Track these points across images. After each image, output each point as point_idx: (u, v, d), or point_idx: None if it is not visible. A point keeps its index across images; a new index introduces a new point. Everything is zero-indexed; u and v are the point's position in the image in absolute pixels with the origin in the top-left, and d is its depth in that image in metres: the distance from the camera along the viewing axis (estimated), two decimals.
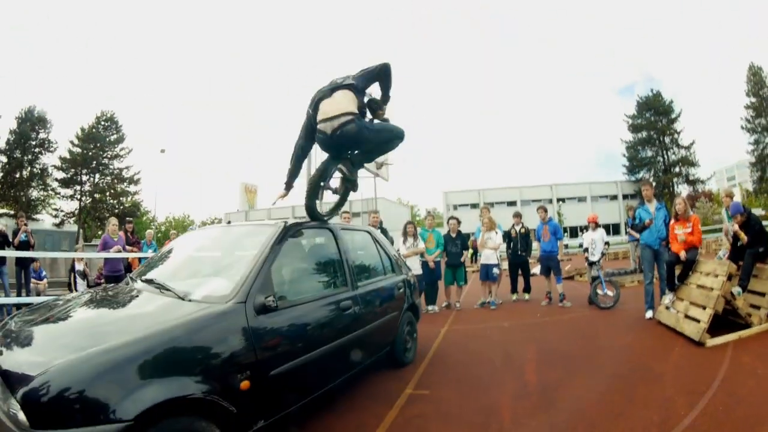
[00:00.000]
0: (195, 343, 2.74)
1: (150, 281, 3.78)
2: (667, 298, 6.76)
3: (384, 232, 9.12)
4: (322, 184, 4.71)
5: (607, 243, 9.10)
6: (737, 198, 53.12)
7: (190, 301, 3.16)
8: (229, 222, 5.27)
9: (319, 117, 4.19)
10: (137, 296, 3.56)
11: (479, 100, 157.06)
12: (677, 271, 6.84)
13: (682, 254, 6.56)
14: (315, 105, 4.29)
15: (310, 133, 4.43)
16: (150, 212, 64.96)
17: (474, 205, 61.37)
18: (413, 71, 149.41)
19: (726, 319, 5.97)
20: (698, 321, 5.75)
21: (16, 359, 2.54)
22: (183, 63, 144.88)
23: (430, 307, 9.50)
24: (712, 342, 5.50)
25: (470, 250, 18.78)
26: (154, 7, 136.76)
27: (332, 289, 4.29)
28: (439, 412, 4.18)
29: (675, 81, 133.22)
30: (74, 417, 2.12)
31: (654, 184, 56.14)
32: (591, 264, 9.07)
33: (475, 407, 4.25)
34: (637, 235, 7.99)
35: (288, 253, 3.94)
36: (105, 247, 8.85)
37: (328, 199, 5.24)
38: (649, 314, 7.22)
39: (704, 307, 5.82)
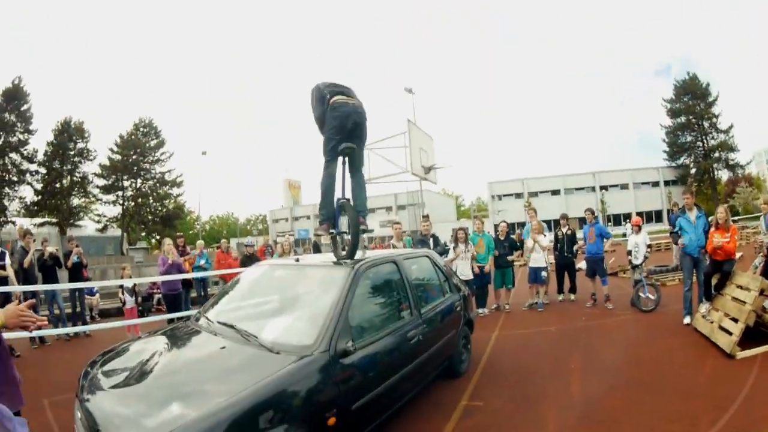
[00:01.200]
0: (289, 395, 3.01)
1: (230, 326, 3.95)
2: (704, 307, 6.91)
3: (436, 239, 9.45)
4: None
5: (649, 246, 9.22)
6: None
7: (278, 353, 3.35)
8: (297, 260, 5.34)
9: (347, 99, 4.87)
10: (223, 347, 3.62)
11: (521, 89, 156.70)
12: (714, 281, 7.01)
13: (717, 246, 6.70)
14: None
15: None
16: (194, 212, 66.34)
17: (518, 195, 61.52)
18: (452, 58, 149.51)
19: (759, 330, 6.05)
20: (730, 333, 5.88)
21: (118, 422, 2.71)
22: (220, 64, 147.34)
23: (480, 310, 9.72)
24: (742, 354, 5.64)
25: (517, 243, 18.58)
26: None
27: (400, 320, 4.48)
28: (492, 423, 4.47)
29: (711, 62, 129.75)
30: None
31: (695, 170, 55.34)
32: (634, 267, 9.20)
33: (525, 419, 4.53)
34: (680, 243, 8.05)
35: (360, 293, 4.12)
36: (167, 269, 9.03)
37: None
38: (686, 320, 7.38)
39: (736, 320, 5.94)
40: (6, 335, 6.76)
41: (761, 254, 8.32)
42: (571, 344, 7.08)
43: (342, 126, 4.79)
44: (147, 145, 55.53)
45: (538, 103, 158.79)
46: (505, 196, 63.72)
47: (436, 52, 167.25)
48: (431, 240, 9.43)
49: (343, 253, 4.83)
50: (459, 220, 60.82)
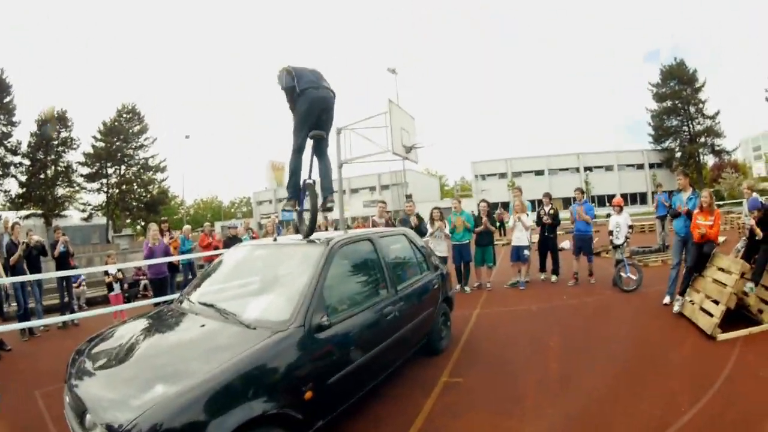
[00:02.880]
0: (266, 369, 3.09)
1: (210, 306, 4.04)
2: (677, 304, 7.00)
3: (420, 219, 9.64)
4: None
5: (631, 227, 9.30)
6: (762, 170, 52.48)
7: (254, 329, 3.42)
8: (275, 239, 5.49)
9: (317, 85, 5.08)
10: (203, 326, 3.70)
11: (506, 70, 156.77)
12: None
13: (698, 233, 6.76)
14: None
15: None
16: (178, 197, 65.96)
17: (502, 175, 61.61)
18: (439, 39, 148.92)
19: (740, 313, 6.17)
20: (711, 315, 5.97)
21: (105, 404, 2.76)
22: (200, 44, 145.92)
23: (463, 287, 10.02)
24: (722, 336, 5.71)
25: (497, 223, 18.59)
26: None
27: (376, 297, 4.56)
28: (472, 399, 4.58)
29: (700, 48, 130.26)
30: None
31: (680, 154, 55.73)
32: (615, 247, 9.30)
33: (503, 395, 4.62)
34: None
35: (335, 270, 4.19)
36: (151, 253, 8.97)
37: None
38: (666, 300, 7.52)
39: (717, 302, 6.04)
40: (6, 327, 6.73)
41: (743, 237, 8.42)
42: (551, 322, 7.19)
43: (311, 112, 5.01)
44: (130, 131, 55.12)
45: (524, 84, 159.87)
46: (489, 175, 63.74)
47: (418, 31, 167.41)
48: (415, 218, 9.65)
49: (331, 228, 5.00)
50: (443, 200, 60.96)
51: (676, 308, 6.98)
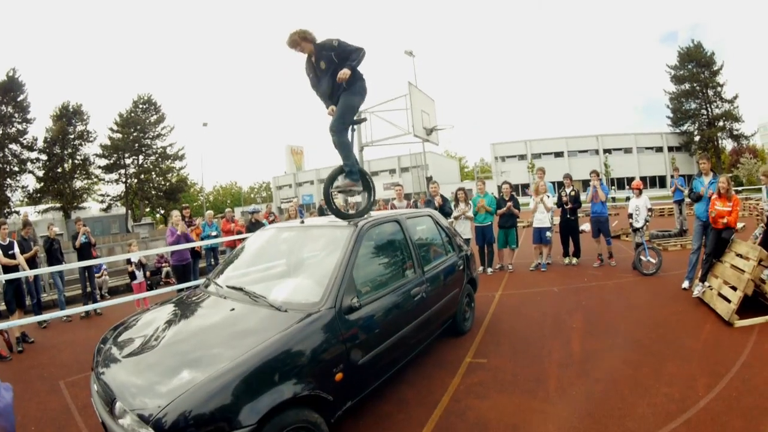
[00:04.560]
0: (298, 351, 3.11)
1: (239, 289, 4.06)
2: (697, 288, 6.96)
3: (445, 200, 9.67)
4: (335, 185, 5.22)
5: (650, 210, 9.27)
6: None
7: (285, 311, 3.46)
8: (302, 222, 5.47)
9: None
10: (233, 309, 3.71)
11: (524, 50, 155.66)
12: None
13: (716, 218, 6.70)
14: None
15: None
16: (197, 184, 66.35)
17: (521, 156, 61.40)
18: (458, 19, 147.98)
19: (758, 300, 6.09)
20: (729, 301, 5.95)
21: (135, 390, 2.77)
22: (214, 31, 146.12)
23: (486, 269, 10.16)
24: (740, 323, 5.68)
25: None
26: None
27: (403, 278, 4.59)
28: (496, 379, 4.65)
29: (718, 30, 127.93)
30: (206, 431, 2.50)
31: (698, 138, 55.03)
32: (635, 230, 9.27)
33: (527, 375, 4.69)
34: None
35: (364, 251, 4.22)
36: (176, 239, 9.06)
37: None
38: (685, 284, 7.50)
39: (735, 288, 6.01)
40: (18, 321, 6.82)
41: (761, 224, 8.34)
42: (572, 304, 7.23)
43: (363, 100, 5.08)
44: (147, 121, 55.39)
45: (542, 65, 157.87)
46: (508, 157, 63.45)
47: (437, 13, 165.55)
48: (439, 200, 9.68)
49: (352, 212, 5.07)
50: (463, 182, 60.80)
51: (695, 293, 6.96)
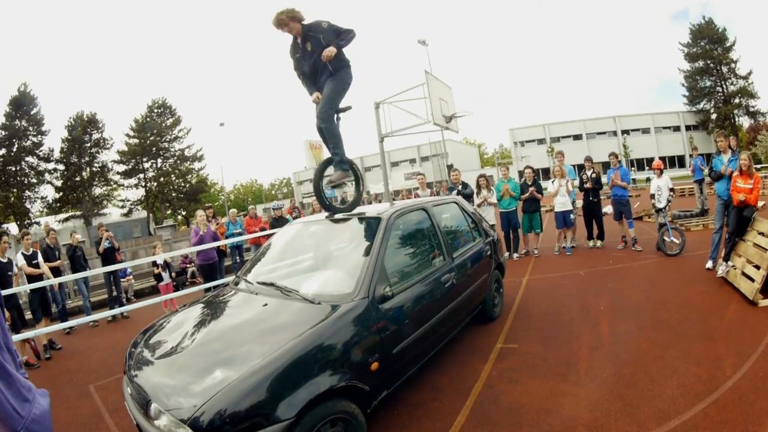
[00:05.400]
0: (333, 343, 3.12)
1: (270, 284, 4.08)
2: (721, 268, 6.87)
3: (465, 186, 9.75)
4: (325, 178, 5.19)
5: (672, 190, 9.20)
6: None
7: (319, 303, 3.47)
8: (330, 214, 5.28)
9: None
10: (265, 305, 3.72)
11: (538, 33, 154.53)
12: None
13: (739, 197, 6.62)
14: None
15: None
16: (218, 184, 66.70)
17: (540, 141, 61.34)
18: (470, 4, 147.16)
19: None
20: (753, 280, 5.87)
21: (169, 391, 2.80)
22: (224, 28, 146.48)
23: (512, 255, 10.24)
24: (764, 302, 5.60)
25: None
26: None
27: (433, 265, 4.57)
28: (527, 364, 4.68)
29: (728, 6, 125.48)
30: (244, 427, 2.52)
31: (715, 116, 54.27)
32: (658, 211, 9.21)
33: (557, 359, 4.72)
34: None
35: (393, 240, 4.24)
36: (200, 239, 9.06)
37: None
38: (709, 264, 7.44)
39: (758, 267, 5.91)
40: (45, 329, 6.89)
41: None
42: (599, 287, 7.23)
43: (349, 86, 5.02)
44: (163, 124, 55.70)
45: (555, 48, 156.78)
46: (527, 142, 63.41)
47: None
48: (460, 186, 9.77)
49: (342, 206, 5.13)
50: (483, 168, 60.61)
51: (719, 273, 6.89)
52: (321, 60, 4.75)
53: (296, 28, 4.78)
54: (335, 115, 4.97)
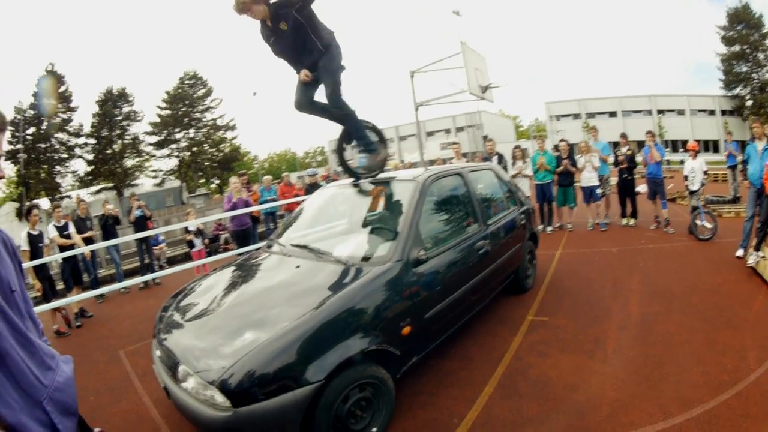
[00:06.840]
0: (366, 305, 3.12)
1: (303, 247, 4.10)
2: (752, 257, 6.74)
3: (500, 157, 9.73)
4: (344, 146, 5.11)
5: (706, 173, 9.03)
6: None
7: (353, 266, 3.47)
8: (358, 179, 5.15)
9: None
10: (298, 267, 3.73)
11: (577, 8, 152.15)
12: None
13: None
14: None
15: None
16: (251, 153, 66.78)
17: (576, 116, 60.42)
18: None
19: None
20: None
21: (198, 353, 2.84)
22: None
23: (546, 228, 10.29)
24: None
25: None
26: None
27: (468, 231, 4.56)
28: (557, 338, 4.69)
29: None
30: (272, 389, 2.55)
31: (750, 102, 52.71)
32: (691, 193, 9.06)
33: (586, 335, 4.71)
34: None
35: (428, 205, 4.22)
36: (233, 206, 9.07)
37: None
38: (739, 252, 7.26)
39: None
40: (76, 297, 6.98)
41: None
42: (630, 266, 7.18)
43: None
44: (195, 95, 55.87)
45: (591, 23, 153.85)
46: (562, 116, 62.29)
47: None
48: (496, 157, 9.75)
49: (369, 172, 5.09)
50: (518, 141, 60.19)
51: (749, 262, 6.72)
52: (305, 35, 4.28)
53: (261, 10, 4.12)
54: (341, 90, 4.55)
